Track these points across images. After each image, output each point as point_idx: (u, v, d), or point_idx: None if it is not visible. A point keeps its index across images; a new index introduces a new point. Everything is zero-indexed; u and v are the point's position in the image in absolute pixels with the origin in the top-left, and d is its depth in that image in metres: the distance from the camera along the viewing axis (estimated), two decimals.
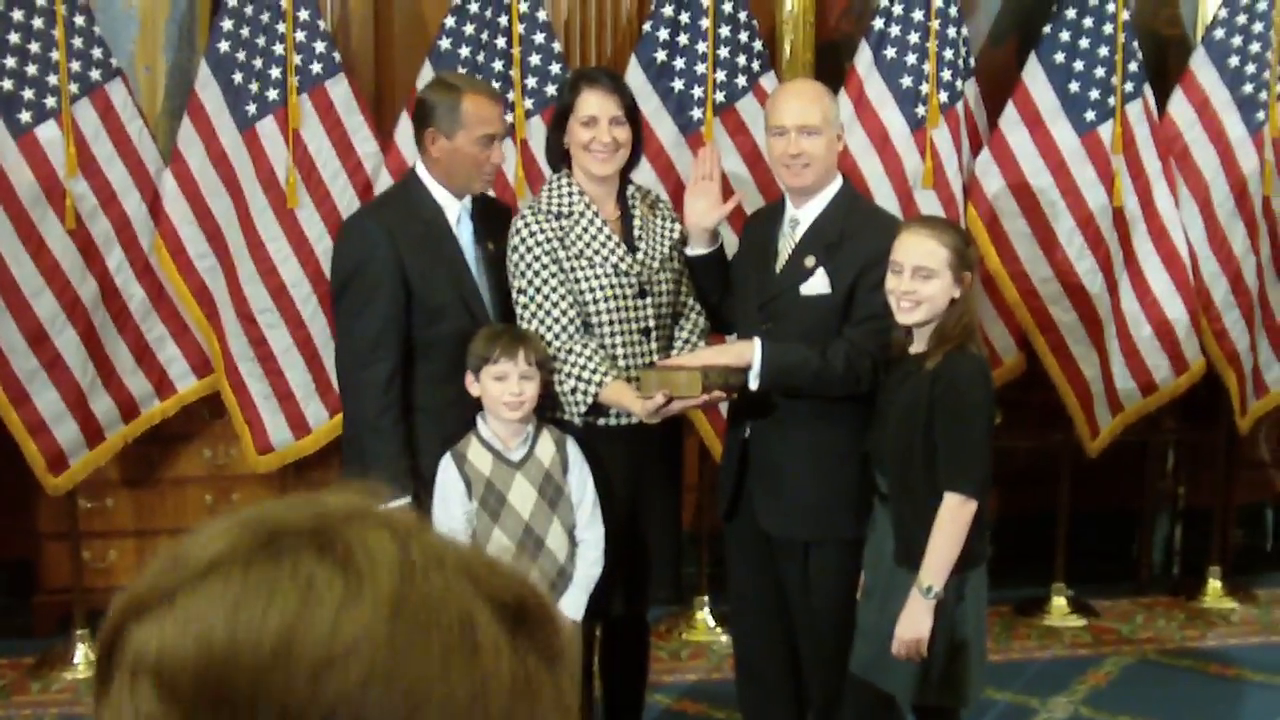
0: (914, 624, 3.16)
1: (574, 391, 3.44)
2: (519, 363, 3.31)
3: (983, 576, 3.27)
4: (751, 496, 3.57)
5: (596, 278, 3.48)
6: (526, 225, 3.50)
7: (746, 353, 3.39)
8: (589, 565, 3.42)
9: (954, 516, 3.12)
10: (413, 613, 0.72)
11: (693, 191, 3.58)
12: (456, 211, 3.55)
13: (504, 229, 3.55)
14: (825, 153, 3.44)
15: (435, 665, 0.72)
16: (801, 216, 3.50)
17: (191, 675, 0.71)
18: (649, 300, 3.54)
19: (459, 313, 3.48)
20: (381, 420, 3.38)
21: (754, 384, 3.39)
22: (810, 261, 3.44)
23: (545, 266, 3.47)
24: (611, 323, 3.50)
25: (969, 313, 3.19)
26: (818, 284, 3.43)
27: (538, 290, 3.48)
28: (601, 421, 3.53)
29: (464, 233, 3.55)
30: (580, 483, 3.43)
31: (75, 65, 4.29)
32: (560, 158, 3.57)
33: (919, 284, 3.15)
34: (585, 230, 3.50)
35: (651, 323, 3.55)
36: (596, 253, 3.49)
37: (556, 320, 3.46)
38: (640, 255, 3.54)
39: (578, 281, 3.48)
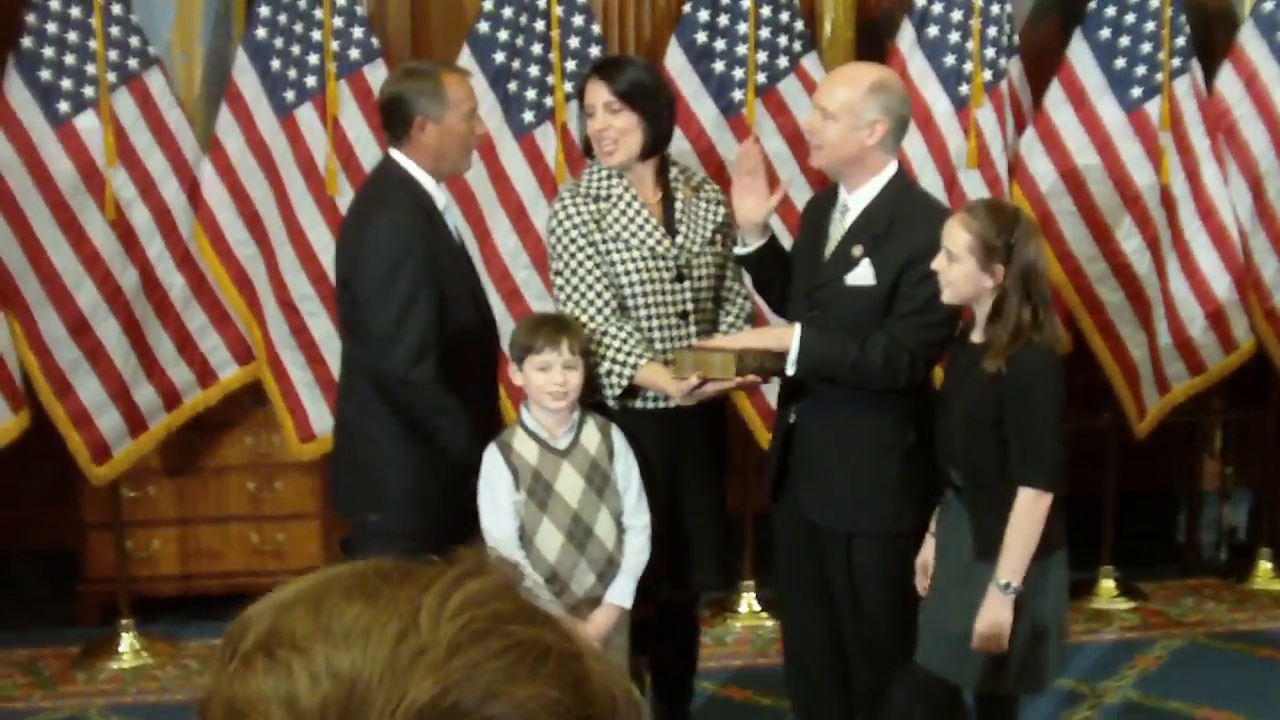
0: (994, 619, 3.11)
1: (609, 374, 3.43)
2: (562, 352, 3.29)
3: (1062, 561, 3.22)
4: (795, 483, 3.54)
5: (633, 260, 3.48)
6: (565, 208, 3.51)
7: (786, 338, 3.35)
8: (637, 553, 3.40)
9: (1029, 511, 3.09)
10: None
11: (739, 188, 3.52)
12: (444, 200, 3.53)
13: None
14: (837, 140, 3.34)
15: None
16: (852, 203, 3.44)
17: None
18: (687, 284, 3.52)
19: (467, 306, 3.48)
20: (449, 402, 3.37)
21: (790, 370, 3.36)
22: (857, 251, 3.38)
23: (581, 249, 3.47)
24: (648, 305, 3.50)
25: (1022, 310, 3.07)
26: (863, 275, 3.37)
27: (573, 273, 3.48)
28: (639, 404, 3.51)
29: (450, 221, 3.54)
30: (626, 470, 3.40)
31: (113, 54, 4.28)
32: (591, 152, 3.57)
33: (944, 265, 3.12)
34: (623, 214, 3.49)
35: (690, 306, 3.53)
36: (634, 235, 3.48)
37: (591, 303, 3.46)
38: (680, 239, 3.53)
39: (613, 264, 3.47)
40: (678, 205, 3.56)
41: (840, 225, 3.45)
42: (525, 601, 0.78)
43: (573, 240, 3.47)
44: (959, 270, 3.10)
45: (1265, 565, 5.23)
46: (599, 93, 3.47)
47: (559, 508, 3.33)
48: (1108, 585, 5.05)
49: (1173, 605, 5.04)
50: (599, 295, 3.46)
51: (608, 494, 3.37)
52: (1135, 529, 5.28)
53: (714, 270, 3.59)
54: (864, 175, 3.40)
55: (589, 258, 3.46)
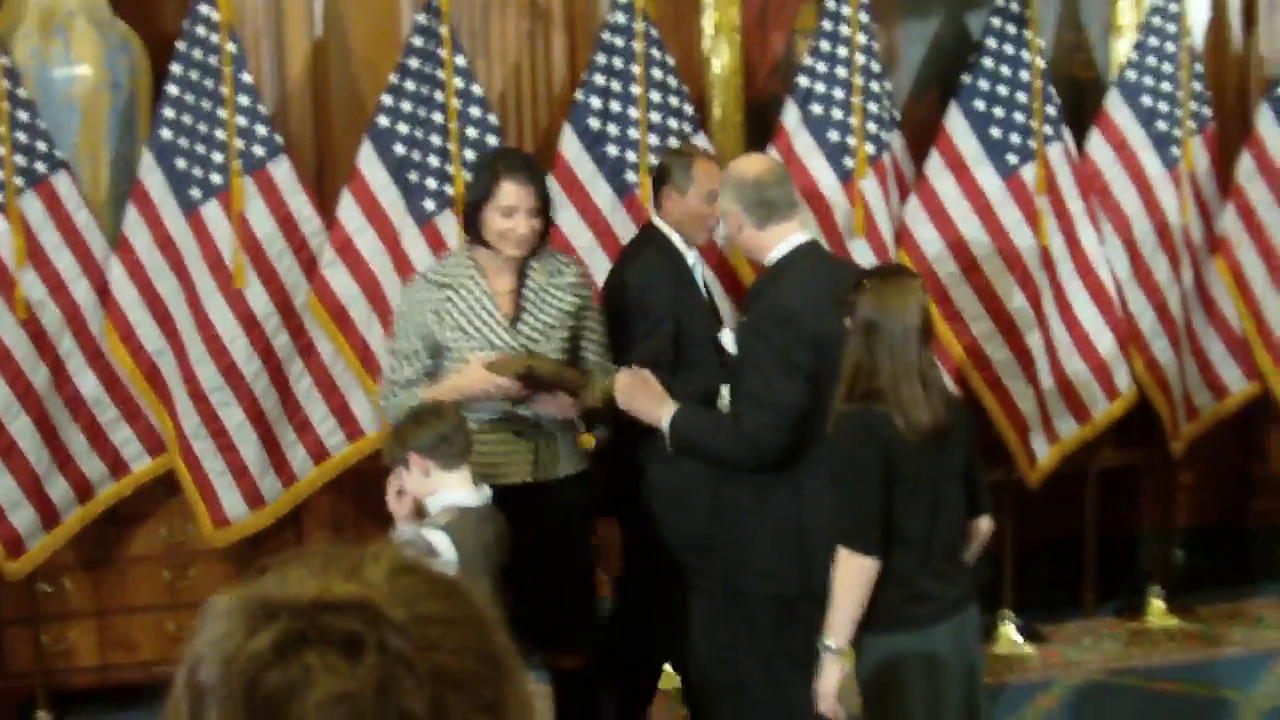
0: (822, 679, 3.17)
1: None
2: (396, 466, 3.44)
3: (919, 640, 3.13)
4: None
5: (470, 350, 3.63)
6: (414, 289, 3.75)
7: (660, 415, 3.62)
8: None
9: (844, 571, 3.09)
10: None
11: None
12: (692, 259, 4.08)
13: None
14: (728, 236, 3.81)
15: None
16: None
17: None
18: None
19: (710, 358, 3.91)
20: None
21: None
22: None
23: (415, 328, 3.67)
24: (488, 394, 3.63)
25: (862, 365, 3.10)
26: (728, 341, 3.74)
27: (398, 346, 3.73)
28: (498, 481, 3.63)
29: (697, 274, 4.12)
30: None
31: (20, 159, 4.35)
32: (477, 234, 3.69)
33: None
34: (466, 302, 3.66)
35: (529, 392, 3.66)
36: (472, 324, 3.65)
37: (400, 372, 3.70)
38: (522, 328, 3.68)
39: (450, 352, 3.64)
40: (526, 294, 3.70)
41: None
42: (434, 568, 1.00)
43: (406, 319, 3.70)
44: None
45: (1157, 604, 5.43)
46: (528, 197, 3.61)
47: None
48: (1006, 630, 5.22)
49: (1072, 646, 5.22)
50: (408, 365, 3.69)
51: None
52: (1035, 576, 5.46)
53: (562, 357, 3.73)
54: (764, 255, 3.64)
55: (411, 336, 3.68)
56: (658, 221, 4.11)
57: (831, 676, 3.15)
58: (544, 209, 3.66)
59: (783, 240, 3.60)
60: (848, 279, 3.30)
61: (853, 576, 3.09)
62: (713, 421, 3.62)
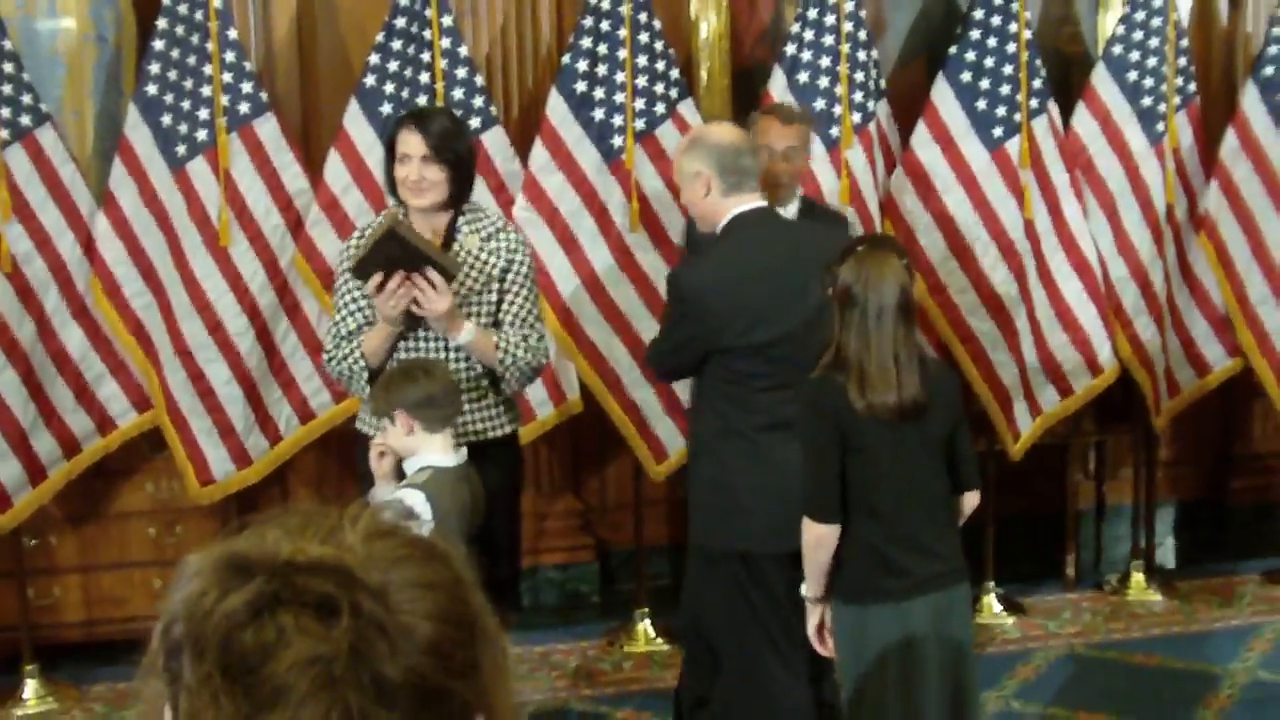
0: (807, 624, 3.33)
1: (351, 376, 3.68)
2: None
3: (892, 613, 3.18)
4: None
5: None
6: (347, 247, 3.77)
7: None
8: None
9: (807, 536, 3.20)
10: None
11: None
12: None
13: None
14: (688, 201, 3.77)
15: None
16: None
17: None
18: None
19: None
20: None
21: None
22: None
23: (346, 283, 3.69)
24: (408, 350, 3.66)
25: (835, 336, 3.15)
26: None
27: (337, 300, 3.75)
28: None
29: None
30: None
31: (5, 112, 4.37)
32: (394, 190, 3.73)
33: None
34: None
35: (450, 354, 3.65)
36: None
37: (337, 329, 3.71)
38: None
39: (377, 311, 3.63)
40: (452, 251, 3.67)
41: None
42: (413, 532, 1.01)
43: (341, 275, 3.72)
44: None
45: (1138, 577, 5.47)
46: (417, 144, 3.61)
47: None
48: (989, 601, 5.25)
49: (1051, 619, 5.25)
50: (340, 323, 3.71)
51: None
52: (1016, 548, 5.49)
53: (483, 320, 3.68)
54: (718, 222, 3.68)
55: (347, 292, 3.70)
56: None
57: (812, 622, 3.29)
58: (444, 160, 3.62)
59: (737, 208, 3.65)
60: (799, 241, 3.57)
61: (812, 542, 3.19)
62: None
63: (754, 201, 3.66)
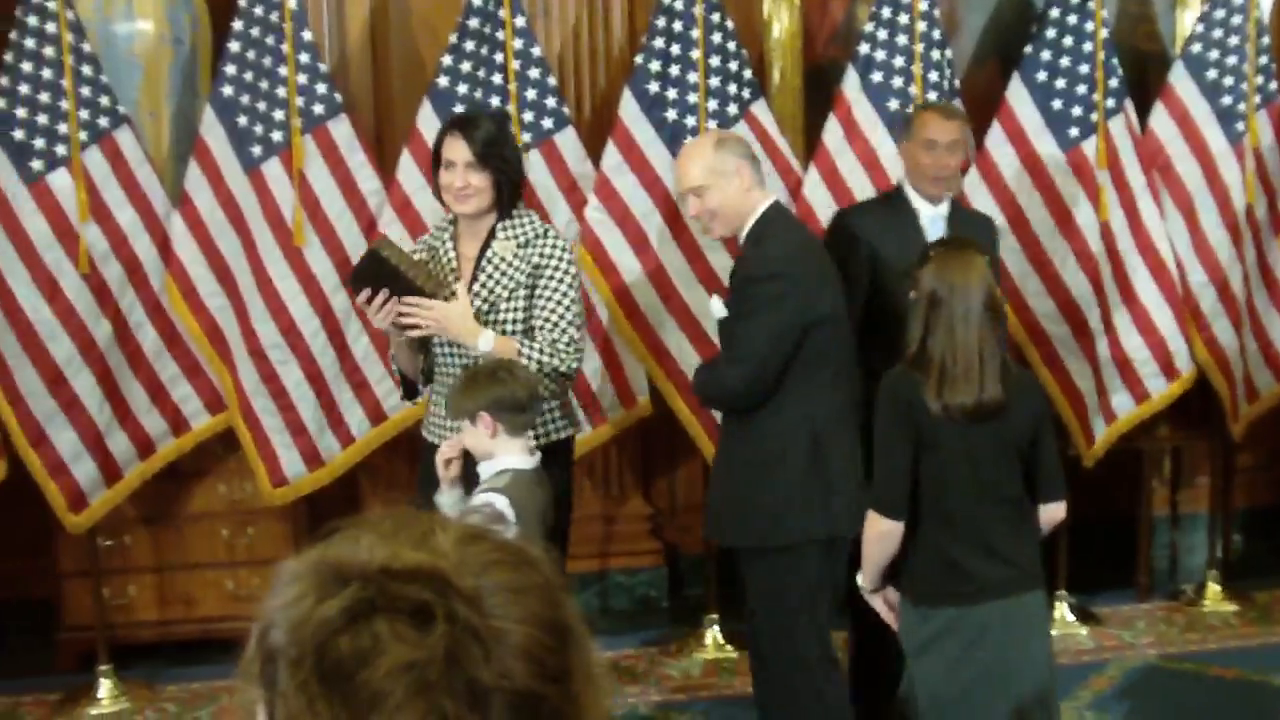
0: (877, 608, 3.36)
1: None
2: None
3: (959, 616, 3.15)
4: None
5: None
6: (417, 248, 3.82)
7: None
8: None
9: (869, 531, 3.20)
10: None
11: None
12: (929, 214, 4.14)
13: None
14: (720, 202, 3.65)
15: None
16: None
17: None
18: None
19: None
20: None
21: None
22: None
23: None
24: (443, 355, 3.71)
25: (920, 336, 3.13)
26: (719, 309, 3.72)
27: None
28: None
29: (923, 233, 4.07)
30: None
31: (84, 114, 4.41)
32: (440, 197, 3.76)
33: None
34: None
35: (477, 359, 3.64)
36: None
37: None
38: (477, 289, 3.65)
39: None
40: (484, 260, 3.67)
41: None
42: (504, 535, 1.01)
43: None
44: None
45: (1214, 588, 5.37)
46: (462, 151, 3.60)
47: None
48: (1061, 610, 5.17)
49: (1126, 628, 5.17)
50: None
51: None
52: (1090, 556, 5.41)
53: (511, 328, 3.66)
54: (748, 219, 3.68)
55: None
56: (900, 177, 4.27)
57: (876, 605, 3.32)
58: (489, 166, 3.60)
59: (769, 198, 3.72)
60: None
61: (874, 537, 3.18)
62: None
63: (772, 198, 3.76)
